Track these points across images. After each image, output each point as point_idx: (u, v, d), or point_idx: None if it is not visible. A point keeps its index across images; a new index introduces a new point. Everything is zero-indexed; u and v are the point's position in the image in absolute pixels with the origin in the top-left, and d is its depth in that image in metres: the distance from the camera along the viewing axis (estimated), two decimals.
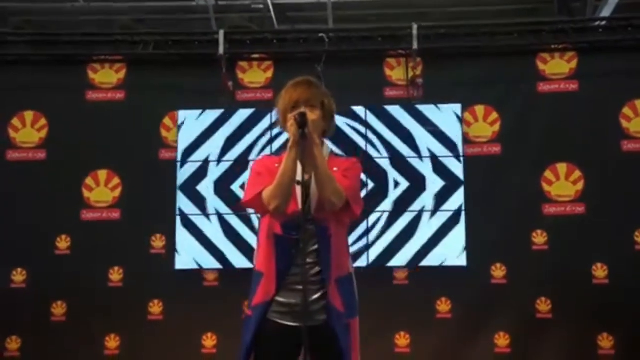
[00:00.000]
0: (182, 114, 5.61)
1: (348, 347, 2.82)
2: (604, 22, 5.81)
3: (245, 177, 5.20)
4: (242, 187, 3.12)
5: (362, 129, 5.51)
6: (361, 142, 5.50)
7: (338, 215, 2.87)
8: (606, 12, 6.03)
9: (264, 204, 2.84)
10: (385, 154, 5.50)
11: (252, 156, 5.48)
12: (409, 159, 5.48)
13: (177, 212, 5.49)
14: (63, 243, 5.55)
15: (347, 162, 3.01)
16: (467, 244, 5.32)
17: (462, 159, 5.44)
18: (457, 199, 5.40)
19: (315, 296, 2.81)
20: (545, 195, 5.44)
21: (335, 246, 2.87)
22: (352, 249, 5.32)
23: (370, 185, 5.45)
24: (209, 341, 5.42)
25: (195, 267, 5.46)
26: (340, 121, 5.35)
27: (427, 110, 5.51)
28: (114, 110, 5.71)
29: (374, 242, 5.40)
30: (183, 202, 5.50)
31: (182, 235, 5.48)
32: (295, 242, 2.79)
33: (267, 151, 5.44)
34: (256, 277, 2.90)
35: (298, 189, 2.81)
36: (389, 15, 6.50)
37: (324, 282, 2.81)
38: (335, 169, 2.87)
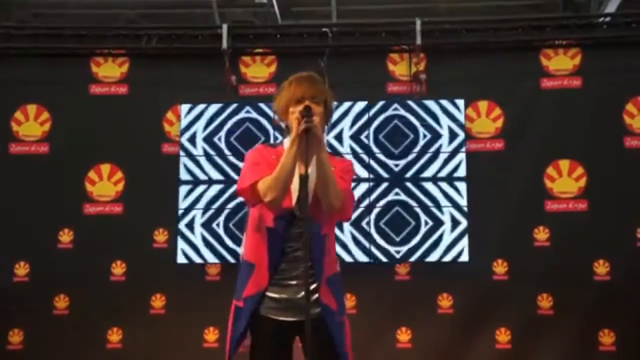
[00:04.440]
0: (190, 108, 5.58)
1: (344, 345, 2.83)
2: (608, 19, 5.79)
3: None
4: None
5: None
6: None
7: (331, 215, 2.86)
8: (611, 8, 6.02)
9: (258, 195, 2.80)
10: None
11: None
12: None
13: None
14: (66, 237, 5.56)
15: (344, 163, 3.00)
16: (469, 240, 5.31)
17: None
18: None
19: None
20: (547, 192, 5.42)
21: (328, 245, 2.87)
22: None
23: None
24: (211, 335, 5.42)
25: (199, 261, 5.45)
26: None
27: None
28: (117, 104, 5.71)
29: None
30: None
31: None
32: (287, 237, 2.80)
33: None
34: (246, 268, 2.88)
35: (295, 184, 2.79)
36: (392, 10, 6.50)
37: (316, 278, 2.80)
38: (332, 168, 2.84)
